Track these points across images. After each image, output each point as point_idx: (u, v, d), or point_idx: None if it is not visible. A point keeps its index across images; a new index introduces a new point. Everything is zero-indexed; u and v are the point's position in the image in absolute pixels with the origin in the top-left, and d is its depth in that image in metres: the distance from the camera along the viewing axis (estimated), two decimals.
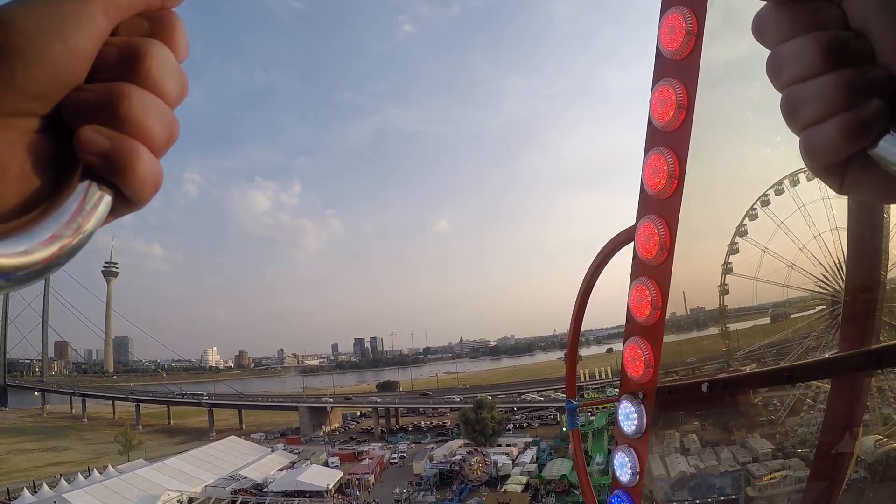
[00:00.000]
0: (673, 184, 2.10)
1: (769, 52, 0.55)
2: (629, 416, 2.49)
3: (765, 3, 0.54)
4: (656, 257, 2.20)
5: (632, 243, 2.34)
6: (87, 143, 0.44)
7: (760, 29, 0.55)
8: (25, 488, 50.91)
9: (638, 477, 2.56)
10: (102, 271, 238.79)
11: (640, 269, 2.32)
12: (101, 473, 53.71)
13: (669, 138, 2.10)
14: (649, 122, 2.14)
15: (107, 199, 0.46)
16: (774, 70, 0.53)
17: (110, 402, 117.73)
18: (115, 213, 0.49)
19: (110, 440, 78.78)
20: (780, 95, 0.53)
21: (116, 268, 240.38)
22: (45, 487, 48.71)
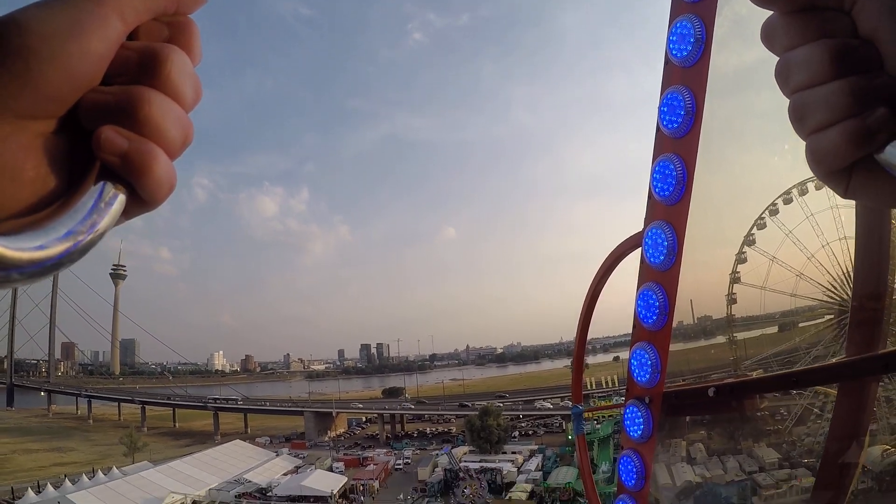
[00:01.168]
0: (681, 189, 2.10)
1: (777, 59, 0.55)
2: (635, 421, 2.49)
3: (774, 11, 0.54)
4: (664, 263, 2.21)
5: (639, 249, 2.34)
6: (106, 142, 0.45)
7: (769, 36, 0.55)
8: (30, 488, 50.93)
9: (644, 482, 2.55)
10: (110, 274, 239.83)
11: (647, 274, 2.31)
12: (105, 475, 53.66)
13: (678, 144, 2.11)
14: (658, 129, 2.15)
15: (121, 198, 0.47)
16: (783, 76, 0.54)
17: (116, 403, 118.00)
18: (128, 213, 0.49)
19: (115, 442, 78.78)
20: (787, 104, 0.54)
21: (124, 270, 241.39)
22: (50, 488, 48.69)
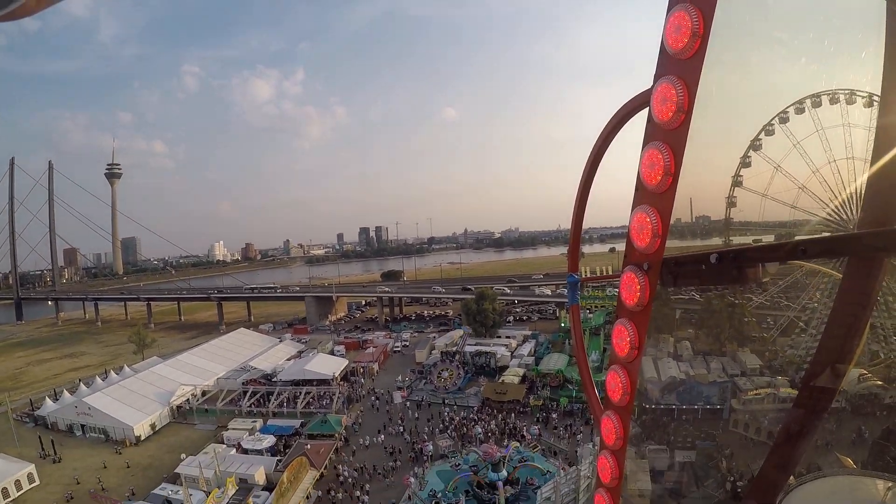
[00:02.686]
0: (696, 43, 1.93)
1: None
2: (631, 288, 2.42)
3: None
4: (672, 120, 2.07)
5: (647, 108, 2.19)
6: None
7: None
8: (47, 397, 53.59)
9: (636, 352, 2.52)
10: (105, 174, 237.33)
11: (654, 133, 2.18)
12: (117, 374, 56.43)
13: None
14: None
15: None
16: None
17: (122, 303, 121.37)
18: None
19: (124, 341, 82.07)
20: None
21: (119, 169, 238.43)
22: (66, 394, 50.96)
